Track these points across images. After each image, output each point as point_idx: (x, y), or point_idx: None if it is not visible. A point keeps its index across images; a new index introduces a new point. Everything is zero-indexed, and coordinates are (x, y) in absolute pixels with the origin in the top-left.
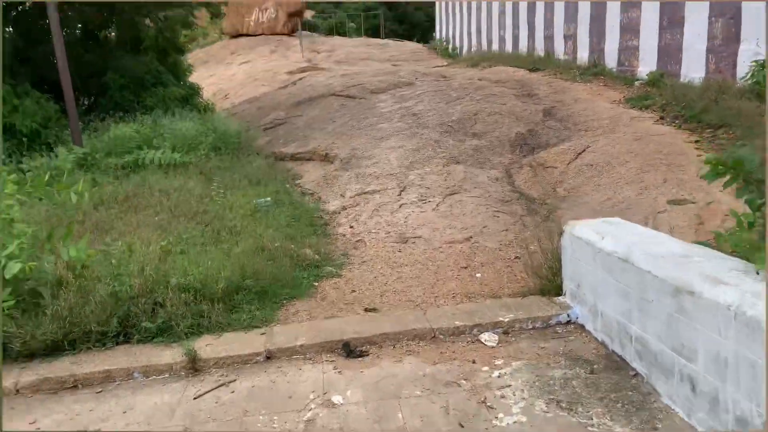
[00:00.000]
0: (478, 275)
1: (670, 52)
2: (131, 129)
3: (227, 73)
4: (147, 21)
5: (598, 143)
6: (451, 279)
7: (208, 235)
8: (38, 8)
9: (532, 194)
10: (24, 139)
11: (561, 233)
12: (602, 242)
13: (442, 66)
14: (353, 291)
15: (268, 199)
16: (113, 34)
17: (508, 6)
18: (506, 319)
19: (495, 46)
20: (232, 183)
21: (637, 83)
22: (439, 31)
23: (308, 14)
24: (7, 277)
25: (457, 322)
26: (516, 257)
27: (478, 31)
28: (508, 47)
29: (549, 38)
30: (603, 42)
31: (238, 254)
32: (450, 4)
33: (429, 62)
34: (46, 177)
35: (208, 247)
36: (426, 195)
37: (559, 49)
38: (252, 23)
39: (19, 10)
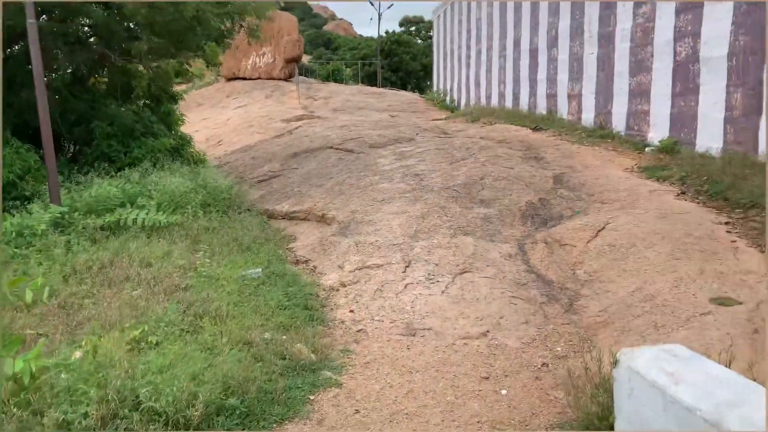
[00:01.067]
0: (504, 392)
1: (683, 120)
2: (115, 187)
3: (222, 117)
4: (140, 68)
5: (619, 220)
6: (472, 396)
7: (189, 320)
8: (24, 53)
9: (549, 276)
10: None
11: (614, 362)
12: (676, 389)
13: (441, 120)
14: (356, 411)
15: (259, 270)
16: (104, 80)
17: (509, 62)
18: None
19: (494, 101)
20: (220, 248)
21: (648, 150)
22: (437, 83)
23: (305, 59)
24: None
25: None
26: (543, 364)
27: (477, 85)
28: (509, 103)
29: (552, 96)
30: (610, 104)
31: (220, 362)
32: (448, 55)
33: (427, 114)
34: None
35: (187, 337)
36: (434, 273)
37: (563, 108)
38: (249, 67)
39: (6, 53)
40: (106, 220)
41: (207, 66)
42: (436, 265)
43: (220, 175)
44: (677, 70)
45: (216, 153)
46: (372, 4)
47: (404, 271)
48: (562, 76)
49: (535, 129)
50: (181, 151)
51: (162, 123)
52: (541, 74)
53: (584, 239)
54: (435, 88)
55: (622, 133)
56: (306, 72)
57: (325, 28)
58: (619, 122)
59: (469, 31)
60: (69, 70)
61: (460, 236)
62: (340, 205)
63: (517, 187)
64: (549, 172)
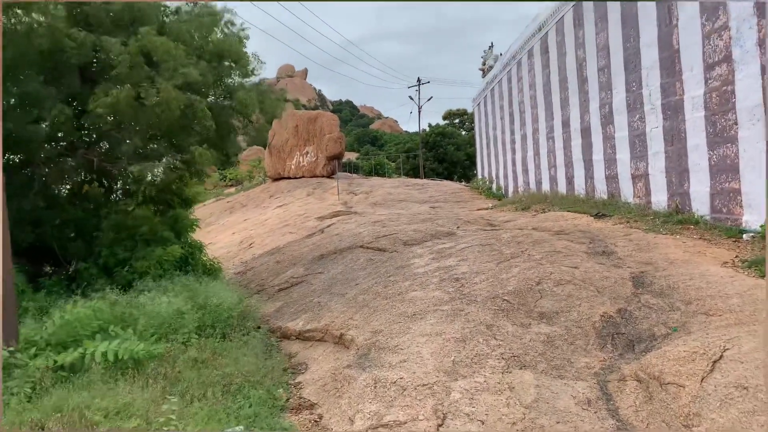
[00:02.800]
0: None
1: None
2: (91, 310)
3: (261, 218)
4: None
5: (741, 344)
6: None
7: None
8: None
9: None
10: None
11: None
12: None
13: (486, 209)
14: None
15: (240, 428)
16: (101, 188)
17: (558, 144)
18: None
19: (546, 187)
20: (201, 391)
21: (746, 237)
22: (481, 170)
23: (353, 156)
24: None
25: None
26: None
27: (525, 171)
28: (561, 188)
29: (612, 178)
30: (686, 183)
31: None
32: (491, 141)
33: (471, 204)
34: None
35: None
36: None
37: (627, 191)
38: (293, 166)
39: None
40: (66, 357)
41: (190, 177)
42: (482, 422)
43: (233, 287)
44: None
45: (245, 257)
46: (411, 99)
47: None
48: (623, 155)
49: (597, 216)
50: (190, 260)
51: (170, 230)
52: (597, 154)
53: (695, 375)
54: (479, 176)
55: (707, 217)
56: (351, 168)
57: (372, 126)
58: (700, 204)
59: (511, 115)
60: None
61: (515, 370)
62: (361, 322)
63: (586, 293)
64: (625, 272)
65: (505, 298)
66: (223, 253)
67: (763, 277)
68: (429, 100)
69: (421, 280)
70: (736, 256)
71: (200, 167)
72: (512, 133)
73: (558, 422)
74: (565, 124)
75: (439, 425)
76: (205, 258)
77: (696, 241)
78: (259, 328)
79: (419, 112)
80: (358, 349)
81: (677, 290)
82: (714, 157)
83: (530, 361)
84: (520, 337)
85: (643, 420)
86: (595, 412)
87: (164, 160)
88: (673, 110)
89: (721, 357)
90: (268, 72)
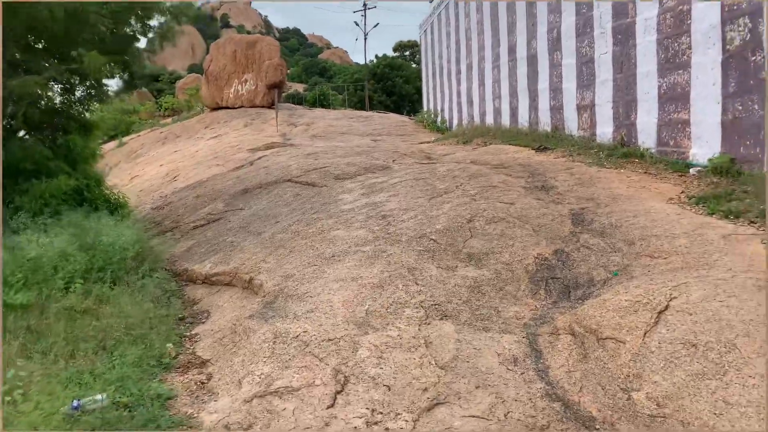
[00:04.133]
0: None
1: (743, 130)
2: None
3: (191, 149)
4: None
5: (691, 291)
6: None
7: None
8: None
9: (586, 407)
10: None
11: None
12: None
13: (428, 143)
14: None
15: (101, 398)
16: None
17: (503, 72)
18: None
19: (490, 119)
20: (68, 349)
21: (693, 171)
22: (426, 102)
23: (300, 87)
24: None
25: None
26: None
27: (470, 102)
28: (506, 120)
29: (557, 109)
30: (634, 113)
31: None
32: (437, 72)
33: (414, 138)
34: None
35: None
36: (382, 410)
37: (572, 123)
38: (231, 95)
39: None
40: None
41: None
42: (389, 388)
43: (139, 224)
44: (728, 64)
45: (166, 191)
46: (357, 24)
47: (332, 405)
48: (569, 84)
49: (540, 149)
50: (85, 194)
51: (62, 159)
52: (543, 83)
53: (638, 329)
54: (425, 109)
55: (654, 151)
56: (296, 100)
57: (320, 56)
58: (647, 136)
59: (458, 43)
60: None
61: (434, 321)
62: (274, 264)
63: (521, 232)
64: (564, 208)
65: (433, 237)
66: (147, 187)
67: (712, 214)
68: (375, 26)
69: (346, 217)
70: (683, 192)
71: (96, 77)
72: (458, 62)
73: (478, 386)
74: (512, 50)
75: (338, 392)
76: (107, 192)
77: (641, 175)
78: (159, 271)
79: (365, 39)
80: (265, 295)
81: (620, 229)
82: (664, 85)
83: (452, 311)
84: (444, 282)
85: (576, 383)
86: (522, 374)
87: (46, 74)
88: (624, 34)
89: (666, 307)
90: None
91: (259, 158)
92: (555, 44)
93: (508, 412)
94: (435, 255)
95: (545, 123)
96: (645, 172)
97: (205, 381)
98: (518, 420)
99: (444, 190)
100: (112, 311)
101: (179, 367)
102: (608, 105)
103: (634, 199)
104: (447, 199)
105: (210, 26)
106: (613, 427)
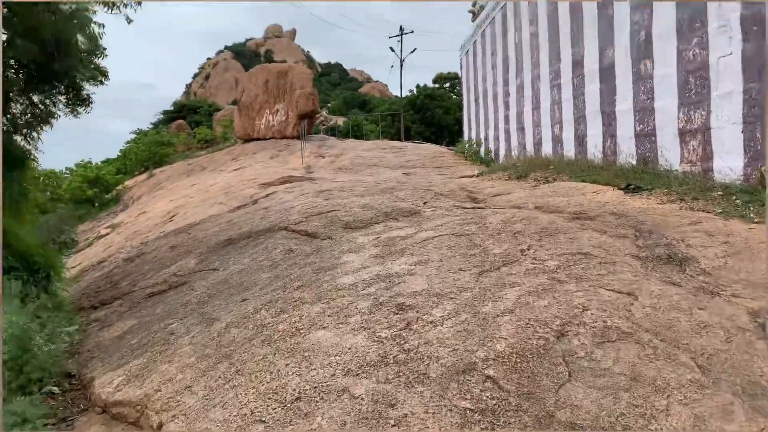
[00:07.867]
0: None
1: None
2: None
3: (208, 183)
4: None
5: None
6: None
7: None
8: None
9: None
10: None
11: None
12: None
13: (470, 177)
14: None
15: None
16: None
17: (565, 91)
18: None
19: (547, 149)
20: None
21: None
22: (468, 130)
23: (341, 120)
24: None
25: None
26: None
27: (521, 129)
28: (569, 151)
29: (646, 135)
30: None
31: None
32: (481, 96)
33: (453, 170)
34: None
35: None
36: None
37: (670, 153)
38: (263, 126)
39: None
40: None
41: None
42: None
43: (86, 290)
44: None
45: (152, 235)
46: (392, 50)
47: None
48: (668, 102)
49: (631, 190)
50: None
51: None
52: (622, 103)
53: None
54: (465, 138)
55: None
56: (332, 132)
57: (361, 90)
58: None
59: (506, 61)
60: None
61: None
62: (201, 401)
63: (671, 371)
64: (734, 308)
65: (489, 373)
66: (142, 228)
67: None
68: (413, 52)
69: (342, 301)
70: None
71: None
72: (506, 84)
73: None
74: (577, 65)
75: None
76: (33, 244)
77: None
78: (45, 384)
79: (401, 66)
80: None
81: None
82: None
83: None
84: None
85: None
86: None
87: None
88: (760, 25)
89: None
90: (254, 32)
91: (267, 195)
92: (642, 50)
93: None
94: (496, 426)
95: (627, 154)
96: None
97: None
98: None
99: (502, 257)
100: None
101: None
102: (734, 127)
103: None
104: (509, 277)
105: (254, 62)
106: None
